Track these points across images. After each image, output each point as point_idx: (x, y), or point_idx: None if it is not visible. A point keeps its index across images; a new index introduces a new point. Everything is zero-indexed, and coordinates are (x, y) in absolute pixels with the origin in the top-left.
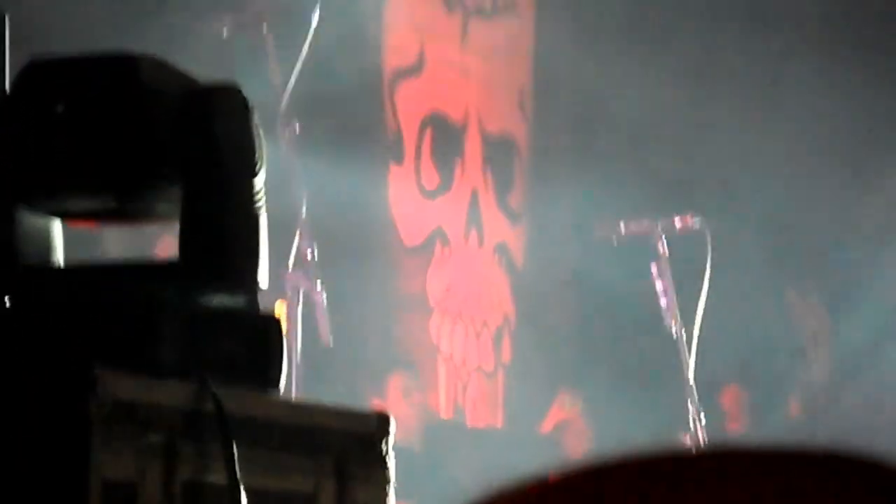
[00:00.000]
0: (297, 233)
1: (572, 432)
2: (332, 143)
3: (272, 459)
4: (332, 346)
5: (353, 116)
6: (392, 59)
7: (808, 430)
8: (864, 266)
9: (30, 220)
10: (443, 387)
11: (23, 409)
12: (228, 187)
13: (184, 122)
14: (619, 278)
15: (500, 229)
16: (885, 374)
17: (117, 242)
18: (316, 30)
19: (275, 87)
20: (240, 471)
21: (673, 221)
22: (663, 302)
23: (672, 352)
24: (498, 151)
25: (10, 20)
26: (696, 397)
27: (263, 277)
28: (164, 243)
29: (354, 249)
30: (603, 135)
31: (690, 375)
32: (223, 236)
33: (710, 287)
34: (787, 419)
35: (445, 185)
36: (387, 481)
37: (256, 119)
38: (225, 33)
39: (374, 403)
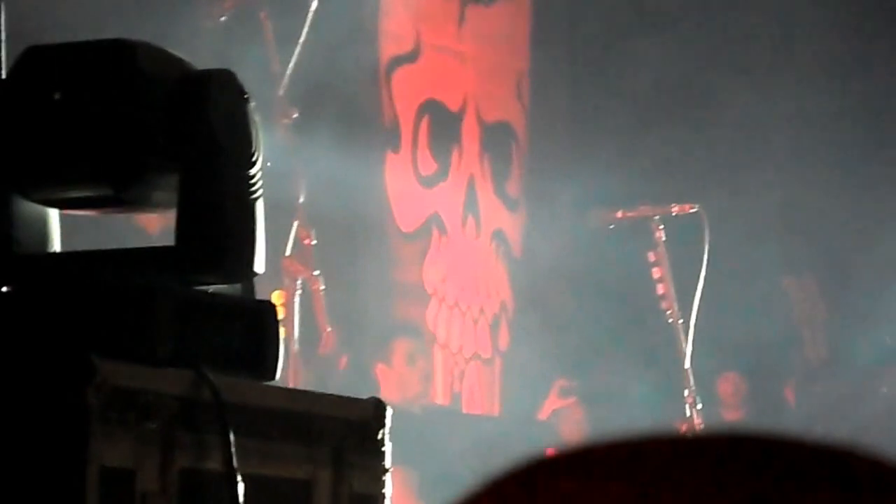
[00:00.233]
0: (296, 220)
1: (569, 420)
2: (329, 130)
3: (269, 447)
4: (329, 331)
5: (349, 103)
6: (389, 47)
7: (804, 417)
8: (862, 252)
9: (26, 208)
10: (440, 374)
11: (20, 397)
12: (225, 175)
13: (180, 109)
14: (617, 265)
15: (498, 216)
16: (882, 362)
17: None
18: (313, 17)
19: (273, 73)
20: (236, 458)
21: (670, 208)
22: (660, 289)
23: (669, 339)
24: (495, 138)
25: (7, 8)
26: (693, 385)
27: (260, 265)
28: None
29: (351, 237)
30: (600, 122)
31: (687, 363)
32: (219, 224)
33: (707, 274)
34: (785, 407)
35: (442, 172)
36: (383, 469)
37: (253, 106)
38: (224, 19)
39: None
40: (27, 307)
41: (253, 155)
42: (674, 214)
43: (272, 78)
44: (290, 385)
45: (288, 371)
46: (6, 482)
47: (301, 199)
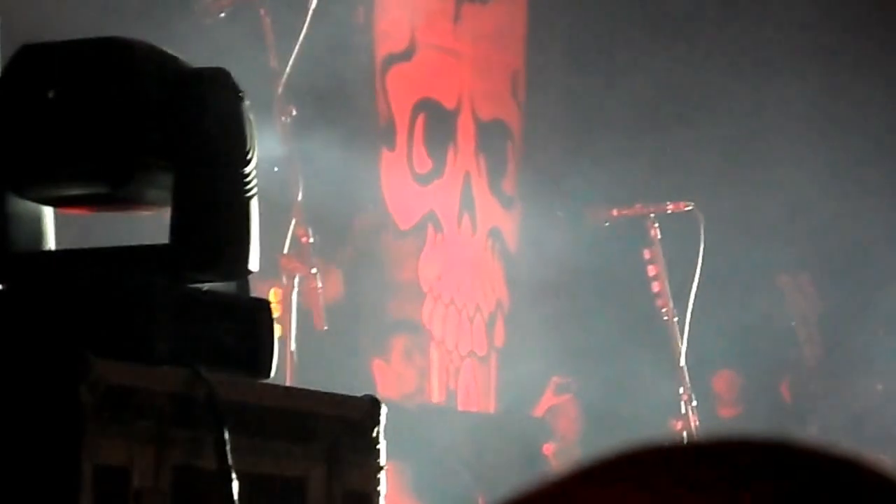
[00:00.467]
0: (293, 217)
1: (564, 416)
2: (324, 128)
3: (263, 445)
4: (326, 329)
5: (345, 102)
6: (384, 45)
7: (800, 415)
8: (858, 249)
9: (20, 206)
10: (435, 371)
11: (14, 394)
12: (219, 173)
13: (174, 108)
14: (612, 263)
15: (494, 214)
16: (877, 360)
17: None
18: (311, 15)
19: (272, 71)
20: (231, 456)
21: (666, 206)
22: (656, 287)
23: (664, 336)
24: (491, 136)
25: (1, 6)
26: (689, 382)
27: (255, 263)
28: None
29: (347, 235)
30: (596, 119)
31: (683, 360)
32: (214, 222)
33: (702, 272)
34: (780, 403)
35: (438, 170)
36: (378, 467)
37: (247, 105)
38: (223, 16)
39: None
40: (21, 305)
41: (247, 153)
42: (669, 212)
43: (271, 75)
44: (286, 383)
45: (283, 369)
46: (1, 480)
47: (299, 197)
